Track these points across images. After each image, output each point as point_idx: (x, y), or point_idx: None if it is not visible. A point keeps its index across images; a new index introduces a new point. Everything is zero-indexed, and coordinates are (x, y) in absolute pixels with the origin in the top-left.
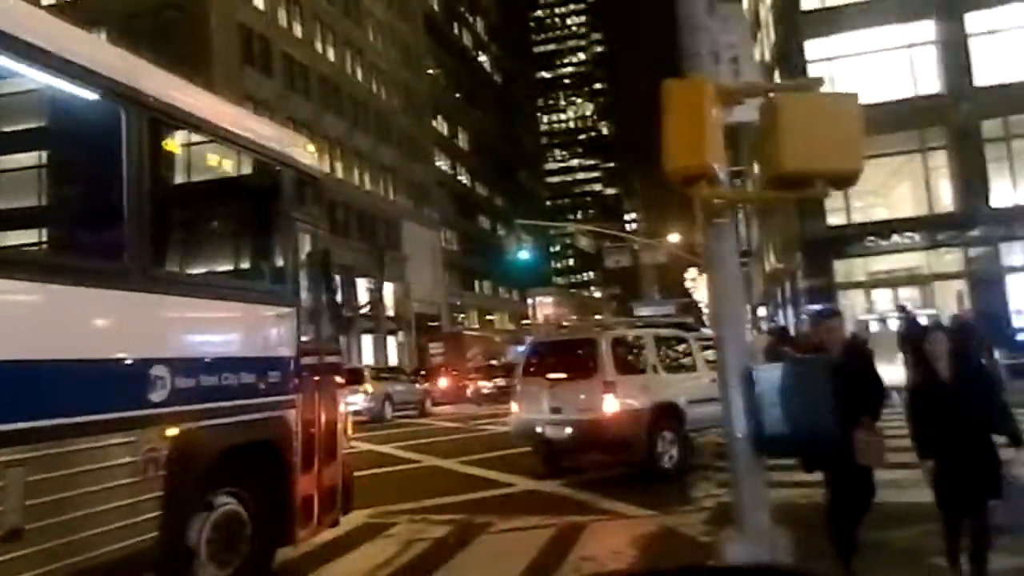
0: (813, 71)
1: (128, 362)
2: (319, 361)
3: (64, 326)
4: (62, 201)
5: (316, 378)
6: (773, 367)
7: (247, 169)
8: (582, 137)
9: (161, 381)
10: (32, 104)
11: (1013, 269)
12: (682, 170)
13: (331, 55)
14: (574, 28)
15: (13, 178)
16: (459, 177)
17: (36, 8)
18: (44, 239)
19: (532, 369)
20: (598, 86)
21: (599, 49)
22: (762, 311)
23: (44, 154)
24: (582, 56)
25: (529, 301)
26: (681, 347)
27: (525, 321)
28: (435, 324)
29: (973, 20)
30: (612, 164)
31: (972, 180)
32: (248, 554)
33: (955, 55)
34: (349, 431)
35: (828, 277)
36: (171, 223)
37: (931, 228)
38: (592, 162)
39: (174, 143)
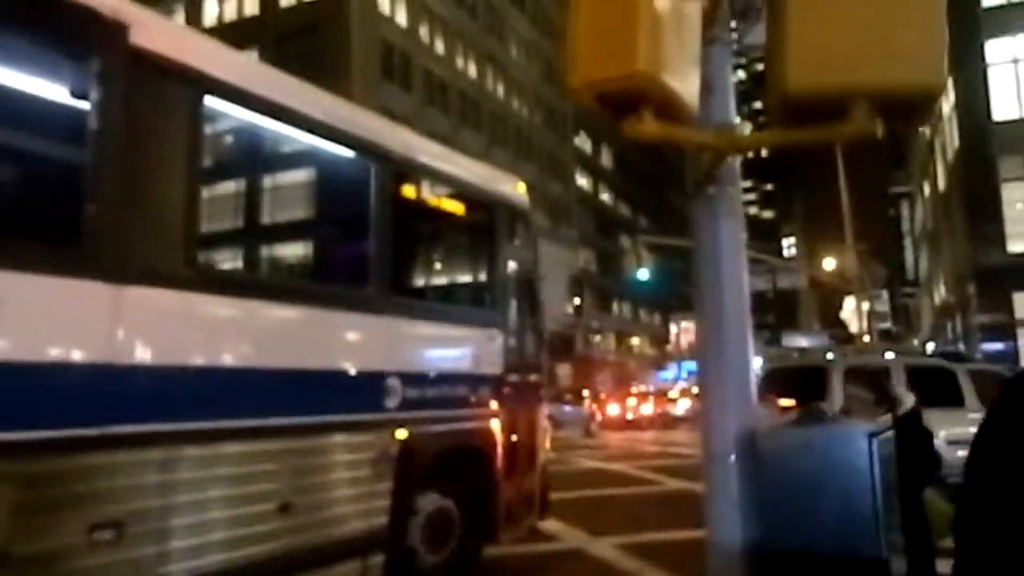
0: (996, 76)
1: (370, 373)
2: (522, 379)
3: (323, 342)
4: (324, 241)
5: (519, 394)
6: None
7: (466, 208)
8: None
9: (393, 390)
10: (305, 160)
11: None
12: (598, 84)
13: (472, 71)
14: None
15: (293, 223)
16: (601, 195)
17: (318, 90)
18: (310, 272)
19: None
20: (757, 105)
21: (760, 67)
22: (930, 347)
23: (311, 201)
24: (741, 74)
25: (672, 326)
26: (945, 380)
27: (667, 346)
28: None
29: None
30: (770, 186)
31: None
32: (456, 548)
33: None
34: (548, 444)
35: (1007, 313)
36: (406, 257)
37: None
38: (748, 183)
39: (410, 190)
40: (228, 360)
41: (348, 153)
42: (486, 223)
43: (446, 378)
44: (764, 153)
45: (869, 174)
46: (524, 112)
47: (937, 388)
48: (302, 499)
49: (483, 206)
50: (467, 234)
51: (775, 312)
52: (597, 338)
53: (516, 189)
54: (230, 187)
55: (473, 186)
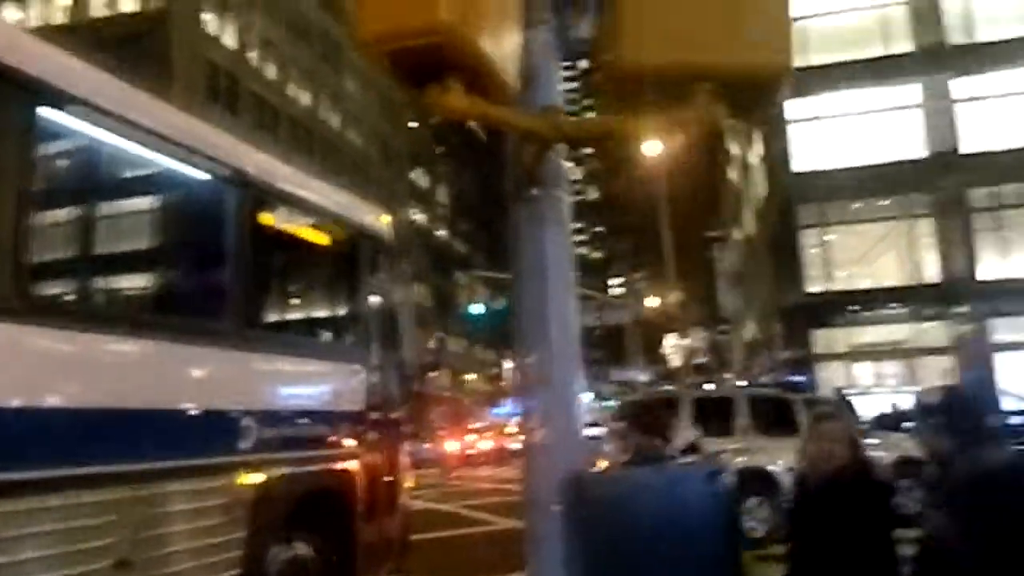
0: (795, 132)
1: (221, 412)
2: (384, 416)
3: (169, 378)
4: (173, 270)
5: (381, 432)
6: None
7: (328, 237)
8: (569, 200)
9: (247, 430)
10: (154, 181)
11: (1005, 346)
12: (390, 38)
13: (305, 99)
14: (568, 93)
15: (139, 249)
16: (436, 231)
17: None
18: (156, 303)
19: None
20: (587, 150)
21: (591, 115)
22: (742, 383)
23: (162, 226)
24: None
25: (505, 362)
26: (783, 409)
27: (501, 382)
28: None
29: (958, 86)
30: (599, 228)
31: (958, 251)
32: None
33: (941, 120)
34: (409, 485)
35: (807, 348)
36: (262, 288)
37: (916, 300)
38: (579, 225)
39: (269, 216)
40: (61, 399)
41: (202, 175)
42: (349, 253)
43: (305, 416)
44: (595, 195)
45: (689, 218)
46: (359, 143)
47: (776, 417)
48: (143, 554)
49: (346, 236)
50: (329, 265)
51: (603, 348)
52: (433, 374)
53: (380, 220)
54: (69, 209)
55: (336, 215)
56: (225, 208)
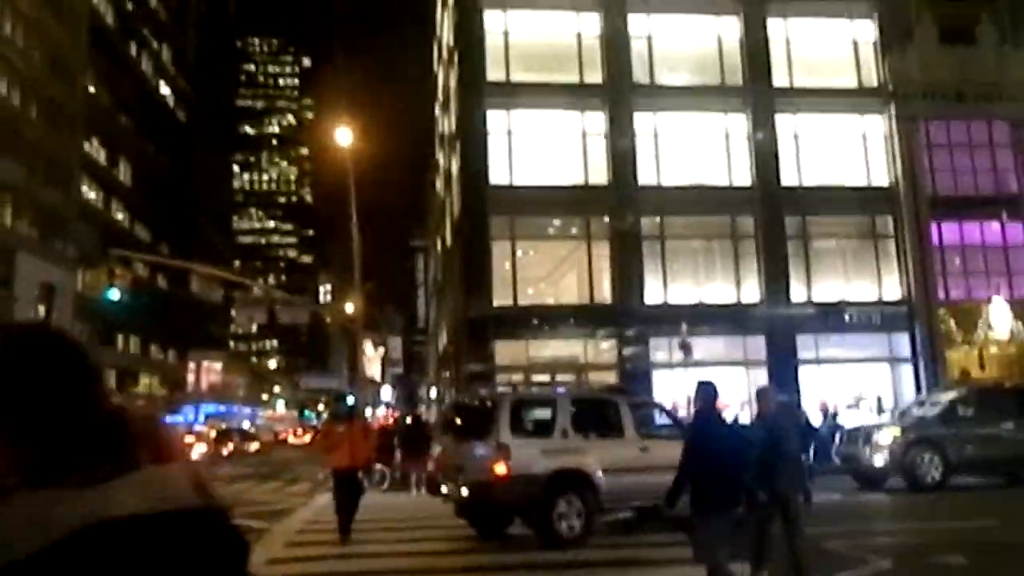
0: (493, 143)
1: None
2: None
3: None
4: None
5: None
6: None
7: None
8: (282, 200)
9: None
10: None
11: (658, 365)
12: None
13: None
14: (287, 90)
15: None
16: (114, 213)
17: None
18: None
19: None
20: (305, 151)
21: (310, 115)
22: (434, 392)
23: None
24: (292, 119)
25: (191, 364)
26: (605, 411)
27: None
28: None
29: (640, 119)
30: (311, 232)
31: (629, 275)
32: None
33: (623, 150)
34: None
35: (490, 359)
36: None
37: (591, 318)
38: (289, 227)
39: None
40: None
41: None
42: None
43: None
44: (308, 198)
45: (395, 227)
46: (16, 99)
47: (601, 420)
48: None
49: None
50: None
51: (310, 354)
52: None
53: None
54: None
55: None
56: None
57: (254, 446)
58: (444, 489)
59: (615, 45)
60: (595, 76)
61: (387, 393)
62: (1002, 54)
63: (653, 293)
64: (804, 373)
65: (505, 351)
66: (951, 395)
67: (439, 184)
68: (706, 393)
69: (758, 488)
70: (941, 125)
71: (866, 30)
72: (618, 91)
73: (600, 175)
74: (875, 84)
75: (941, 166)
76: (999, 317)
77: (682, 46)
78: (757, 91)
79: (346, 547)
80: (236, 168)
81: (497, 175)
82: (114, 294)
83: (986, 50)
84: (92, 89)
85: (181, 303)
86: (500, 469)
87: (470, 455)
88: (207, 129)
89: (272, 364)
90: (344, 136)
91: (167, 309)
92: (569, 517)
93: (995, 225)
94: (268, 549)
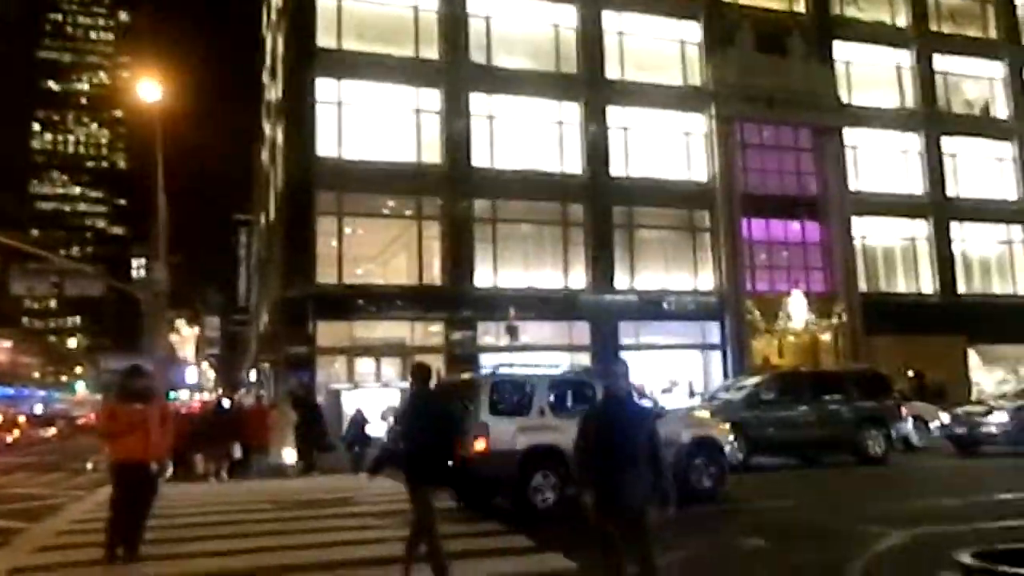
0: (322, 113)
1: None
2: None
3: None
4: None
5: None
6: None
7: None
8: (91, 165)
9: None
10: None
11: (486, 348)
12: None
13: None
14: (100, 45)
15: None
16: None
17: None
18: None
19: None
20: (119, 114)
21: (126, 75)
22: (254, 375)
23: None
24: (104, 77)
25: None
26: (583, 391)
27: None
28: None
29: (475, 100)
30: (124, 202)
31: (460, 257)
32: None
33: (457, 131)
34: None
35: (311, 341)
36: None
37: (420, 300)
38: (99, 194)
39: None
40: None
41: None
42: None
43: None
44: (122, 164)
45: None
46: None
47: (577, 400)
48: None
49: None
50: None
51: (116, 333)
52: None
53: None
54: None
55: None
56: None
57: (51, 432)
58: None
59: (453, 22)
60: (431, 52)
61: (192, 374)
62: (808, 67)
63: (483, 277)
64: (625, 358)
65: (328, 332)
66: (754, 380)
67: (264, 155)
68: (624, 371)
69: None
70: (754, 128)
71: (692, 31)
72: (454, 69)
73: (434, 154)
74: (698, 83)
75: (752, 166)
76: (797, 309)
77: (520, 29)
78: (591, 81)
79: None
80: (36, 126)
81: (325, 147)
82: None
83: (795, 61)
84: None
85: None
86: (479, 445)
87: None
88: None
89: (72, 343)
90: (149, 90)
91: None
92: (544, 491)
93: (796, 224)
94: (14, 556)
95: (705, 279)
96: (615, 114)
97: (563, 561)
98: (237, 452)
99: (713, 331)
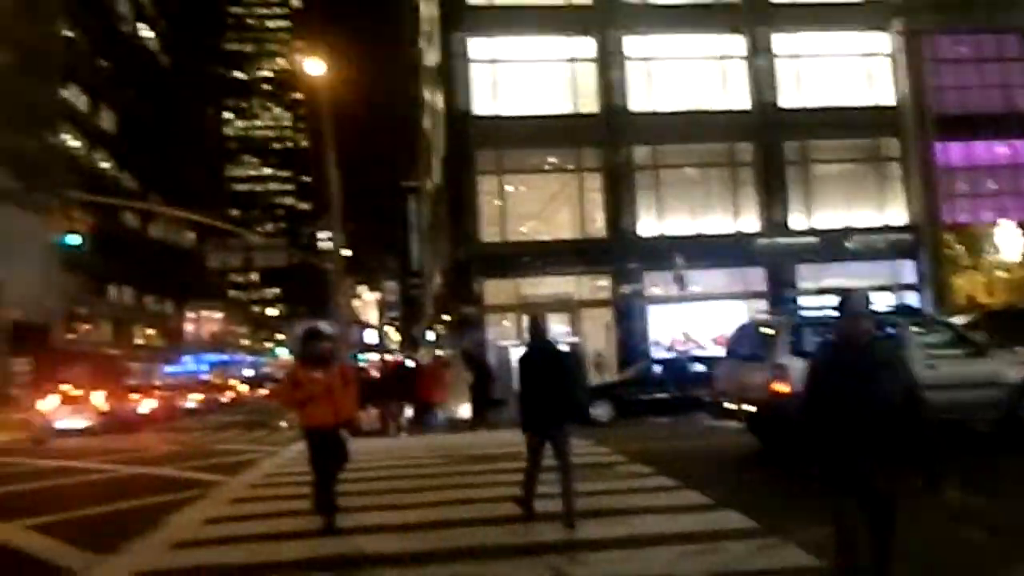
0: (476, 72)
1: None
2: None
3: None
4: None
5: None
6: None
7: None
8: (277, 147)
9: None
10: None
11: (655, 299)
12: None
13: None
14: (277, 33)
15: None
16: (98, 162)
17: None
18: None
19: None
20: (299, 96)
21: (301, 58)
22: (431, 335)
23: None
24: (282, 63)
25: (190, 315)
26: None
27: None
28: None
29: (630, 43)
30: (308, 179)
31: (623, 207)
32: None
33: (613, 76)
34: None
35: (479, 300)
36: None
37: (584, 254)
38: (286, 174)
39: None
40: None
41: None
42: None
43: None
44: (304, 144)
45: (389, 168)
46: None
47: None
48: None
49: None
50: None
51: (309, 301)
52: (86, 327)
53: None
54: None
55: None
56: None
57: (263, 392)
58: (729, 406)
59: None
60: None
61: (371, 335)
62: None
63: (647, 226)
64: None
65: (495, 290)
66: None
67: (427, 122)
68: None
69: None
70: (946, 40)
71: None
72: (607, 13)
73: (591, 104)
74: None
75: (947, 83)
76: (1007, 240)
77: None
78: (754, 8)
79: (306, 515)
80: (228, 115)
81: (481, 106)
82: (73, 239)
83: None
84: (68, 33)
85: (150, 246)
86: (782, 387)
87: (751, 376)
88: (193, 75)
89: (273, 312)
90: (315, 67)
91: (136, 253)
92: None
93: (1002, 145)
94: (213, 506)
95: (895, 213)
96: (782, 41)
97: (744, 520)
98: (408, 411)
99: (907, 270)
